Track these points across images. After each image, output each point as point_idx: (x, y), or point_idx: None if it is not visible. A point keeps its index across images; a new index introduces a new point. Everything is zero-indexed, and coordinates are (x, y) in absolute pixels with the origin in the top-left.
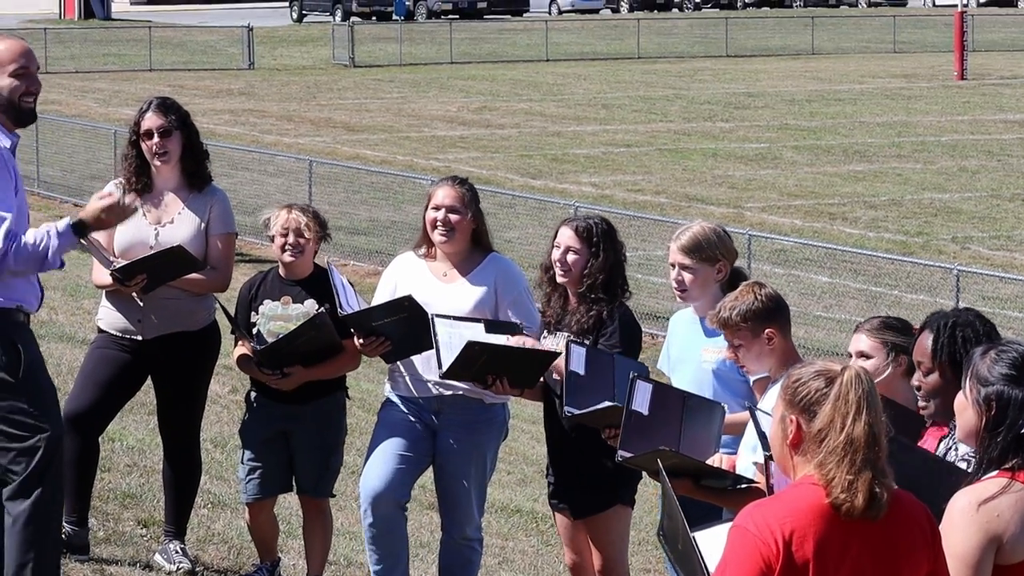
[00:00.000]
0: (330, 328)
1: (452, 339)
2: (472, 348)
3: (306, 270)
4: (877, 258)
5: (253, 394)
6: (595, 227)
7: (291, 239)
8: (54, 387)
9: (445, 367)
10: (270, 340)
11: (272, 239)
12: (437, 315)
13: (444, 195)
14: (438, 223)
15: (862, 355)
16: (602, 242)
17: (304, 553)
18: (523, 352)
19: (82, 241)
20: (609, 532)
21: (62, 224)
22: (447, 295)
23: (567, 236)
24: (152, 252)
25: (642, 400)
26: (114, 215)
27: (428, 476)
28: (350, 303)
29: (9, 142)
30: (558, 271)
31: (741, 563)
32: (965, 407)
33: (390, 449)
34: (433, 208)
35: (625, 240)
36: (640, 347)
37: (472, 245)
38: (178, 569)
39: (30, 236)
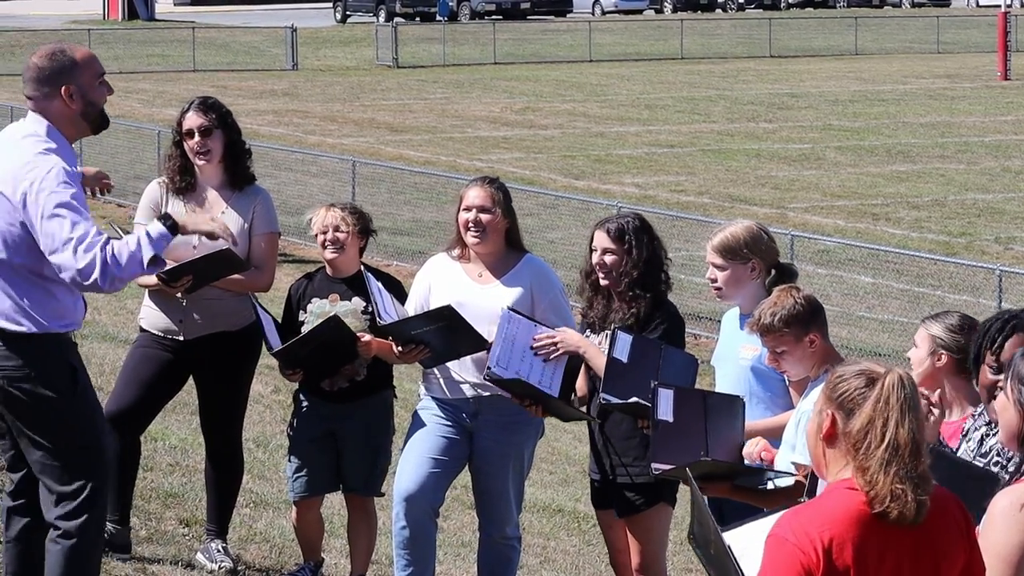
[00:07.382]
0: (345, 330)
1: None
2: (519, 384)
3: (351, 267)
4: (920, 258)
5: (301, 395)
6: (627, 225)
7: (330, 235)
8: (99, 405)
9: (494, 366)
10: None
11: (316, 239)
12: (512, 309)
13: (475, 195)
14: (470, 224)
15: (915, 344)
16: (633, 239)
17: (347, 553)
18: (559, 403)
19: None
20: (650, 530)
21: (155, 229)
22: (483, 296)
23: (601, 239)
24: (200, 254)
25: (666, 408)
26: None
27: (468, 476)
28: (388, 311)
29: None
30: (600, 275)
31: (781, 573)
32: (1006, 407)
33: (425, 453)
34: (464, 210)
35: (668, 240)
36: (684, 344)
37: (506, 246)
38: (220, 568)
39: (122, 244)
